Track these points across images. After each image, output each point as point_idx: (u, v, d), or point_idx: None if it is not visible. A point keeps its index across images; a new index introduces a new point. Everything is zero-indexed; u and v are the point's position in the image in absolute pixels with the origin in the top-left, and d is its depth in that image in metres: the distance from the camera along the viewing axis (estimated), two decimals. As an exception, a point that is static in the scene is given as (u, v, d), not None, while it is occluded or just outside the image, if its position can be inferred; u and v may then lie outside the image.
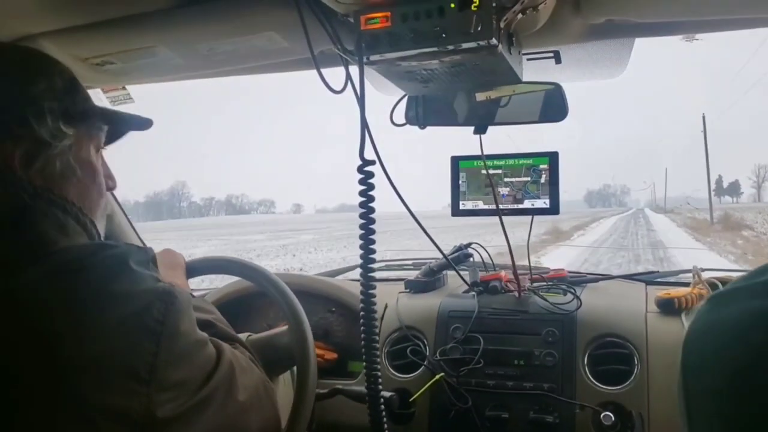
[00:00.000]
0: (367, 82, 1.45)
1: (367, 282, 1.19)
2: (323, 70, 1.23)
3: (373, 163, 1.15)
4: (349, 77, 1.21)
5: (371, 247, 1.16)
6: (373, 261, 1.18)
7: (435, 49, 1.07)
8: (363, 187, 1.14)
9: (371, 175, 1.14)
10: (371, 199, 1.15)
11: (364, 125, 1.13)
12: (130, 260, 0.88)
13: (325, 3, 1.09)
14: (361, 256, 1.17)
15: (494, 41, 1.03)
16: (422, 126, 1.58)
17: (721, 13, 1.18)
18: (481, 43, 1.03)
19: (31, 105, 0.90)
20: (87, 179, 0.98)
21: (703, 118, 41.26)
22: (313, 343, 1.40)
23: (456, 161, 1.73)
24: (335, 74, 1.27)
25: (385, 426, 1.32)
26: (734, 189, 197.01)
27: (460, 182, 1.73)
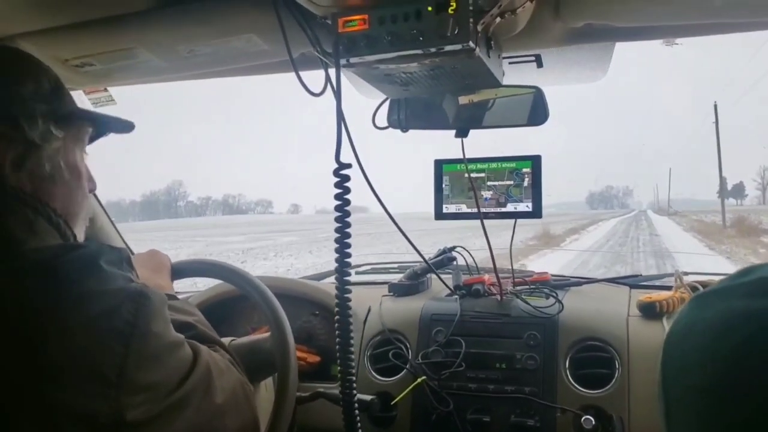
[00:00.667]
0: (349, 85, 1.45)
1: (342, 285, 1.19)
2: (305, 73, 1.23)
3: (349, 166, 1.15)
4: (328, 80, 1.21)
5: (347, 251, 1.15)
6: (349, 265, 1.18)
7: (413, 52, 1.07)
8: (339, 191, 1.13)
9: (347, 178, 1.14)
10: (347, 202, 1.14)
11: (341, 128, 1.13)
12: (100, 260, 0.86)
13: (303, 5, 1.09)
14: (337, 260, 1.16)
15: (471, 44, 1.04)
16: (404, 129, 1.58)
17: (700, 18, 1.18)
18: (458, 46, 1.04)
19: (21, 106, 0.90)
20: (73, 182, 0.98)
21: (715, 107, 38.50)
22: (294, 347, 1.40)
23: (439, 164, 1.73)
24: (317, 77, 1.27)
25: (359, 430, 1.31)
26: (739, 191, 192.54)
27: (444, 186, 1.73)
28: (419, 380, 1.58)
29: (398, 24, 1.04)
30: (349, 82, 1.43)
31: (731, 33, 1.24)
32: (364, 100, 1.59)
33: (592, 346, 1.56)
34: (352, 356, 1.25)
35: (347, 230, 1.14)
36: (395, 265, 2.30)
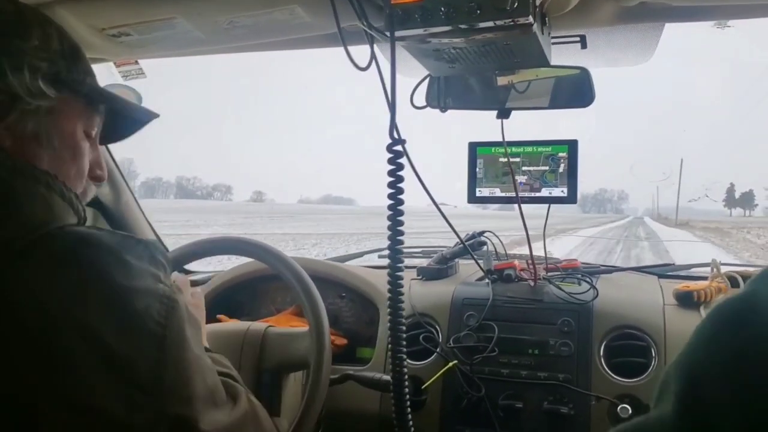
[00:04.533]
0: (387, 62, 1.42)
1: (395, 264, 1.16)
2: (341, 48, 1.20)
3: (403, 142, 1.12)
4: (373, 54, 1.18)
5: (399, 228, 1.13)
6: (402, 243, 1.15)
7: (468, 25, 1.03)
8: (392, 167, 1.10)
9: (400, 155, 1.11)
10: (400, 179, 1.11)
11: (394, 103, 1.10)
12: (123, 251, 0.80)
13: None
14: (389, 237, 1.14)
15: (530, 19, 1.00)
16: (443, 109, 1.54)
17: None
18: (517, 21, 1.00)
19: (14, 58, 0.83)
20: (65, 154, 0.90)
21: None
22: (329, 338, 1.39)
23: (474, 147, 1.70)
24: (353, 52, 1.24)
25: (409, 414, 1.29)
26: (747, 200, 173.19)
27: (477, 169, 1.70)
28: (450, 364, 1.56)
29: None
30: (386, 59, 1.40)
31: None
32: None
33: (628, 334, 1.53)
34: (404, 335, 1.22)
35: (400, 207, 1.11)
36: (419, 250, 2.27)
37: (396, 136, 1.12)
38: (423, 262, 1.99)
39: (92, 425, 0.73)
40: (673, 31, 1.33)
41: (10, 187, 0.78)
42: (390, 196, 1.12)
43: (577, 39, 1.39)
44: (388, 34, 1.08)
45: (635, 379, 1.47)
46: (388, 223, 1.13)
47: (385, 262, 1.21)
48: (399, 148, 1.10)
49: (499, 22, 1.02)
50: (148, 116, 1.04)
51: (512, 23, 1.01)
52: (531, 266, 1.68)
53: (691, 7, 1.23)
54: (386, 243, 1.18)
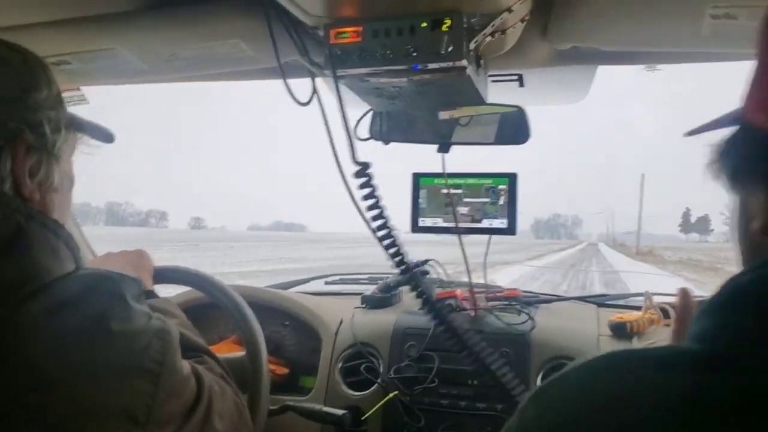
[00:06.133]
0: (330, 95, 1.44)
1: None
2: (290, 81, 1.23)
3: (367, 166, 1.15)
4: (315, 90, 1.20)
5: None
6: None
7: (405, 67, 1.06)
8: (366, 191, 1.14)
9: (369, 177, 1.14)
10: (375, 197, 1.15)
11: (351, 137, 1.15)
12: (126, 295, 0.84)
13: (295, 15, 1.07)
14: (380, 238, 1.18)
15: (464, 63, 1.04)
16: (386, 142, 1.57)
17: (685, 46, 1.20)
18: (452, 64, 1.04)
19: (41, 113, 0.85)
20: (66, 191, 0.93)
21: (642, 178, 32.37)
22: (267, 365, 1.38)
23: (417, 178, 1.73)
24: (299, 84, 1.27)
25: None
26: (703, 225, 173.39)
27: (420, 200, 1.73)
28: (391, 395, 1.57)
29: (392, 38, 1.04)
30: (330, 92, 1.42)
31: (714, 62, 1.27)
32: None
33: (564, 365, 1.56)
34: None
35: (389, 224, 1.16)
36: (365, 277, 2.28)
37: (356, 162, 1.16)
38: (368, 288, 2.01)
39: None
40: (608, 71, 1.38)
41: (24, 234, 0.79)
42: (374, 218, 1.16)
43: (515, 77, 1.44)
44: (328, 71, 1.11)
45: None
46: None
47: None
48: (361, 174, 1.15)
49: (434, 65, 1.05)
50: (106, 137, 1.06)
51: (448, 66, 1.05)
52: (471, 296, 1.71)
53: (621, 52, 1.28)
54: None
